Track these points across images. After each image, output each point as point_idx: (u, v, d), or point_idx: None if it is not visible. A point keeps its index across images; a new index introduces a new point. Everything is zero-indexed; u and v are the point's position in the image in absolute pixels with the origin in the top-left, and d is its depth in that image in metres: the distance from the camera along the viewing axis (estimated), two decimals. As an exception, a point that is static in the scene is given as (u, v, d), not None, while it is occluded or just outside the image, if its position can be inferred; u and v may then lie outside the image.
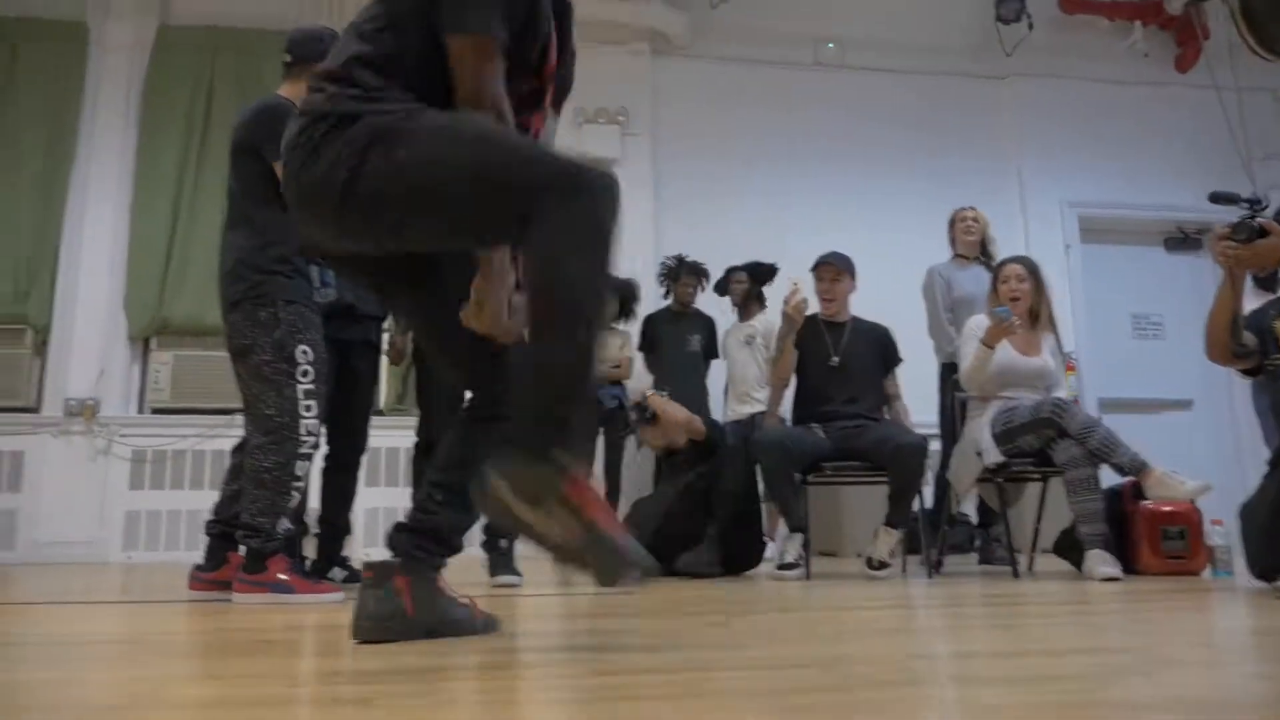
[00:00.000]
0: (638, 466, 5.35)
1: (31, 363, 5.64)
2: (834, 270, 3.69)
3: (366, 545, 4.76)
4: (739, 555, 3.53)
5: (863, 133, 6.60)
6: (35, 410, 5.59)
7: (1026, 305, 3.44)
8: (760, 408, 5.07)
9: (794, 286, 3.61)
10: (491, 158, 1.39)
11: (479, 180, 1.38)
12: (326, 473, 3.12)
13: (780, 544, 3.49)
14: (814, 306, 3.73)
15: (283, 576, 2.51)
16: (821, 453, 3.41)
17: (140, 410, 5.73)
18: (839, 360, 3.59)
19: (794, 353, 3.63)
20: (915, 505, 3.41)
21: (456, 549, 1.61)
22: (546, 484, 1.27)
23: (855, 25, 6.69)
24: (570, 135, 6.03)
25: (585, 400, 1.33)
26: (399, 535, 1.59)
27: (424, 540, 1.57)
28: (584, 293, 1.33)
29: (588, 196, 1.35)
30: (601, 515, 1.26)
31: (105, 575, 4.01)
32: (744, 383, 5.17)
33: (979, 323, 3.44)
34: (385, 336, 3.36)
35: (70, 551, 5.40)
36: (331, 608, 2.32)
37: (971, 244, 4.36)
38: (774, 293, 5.27)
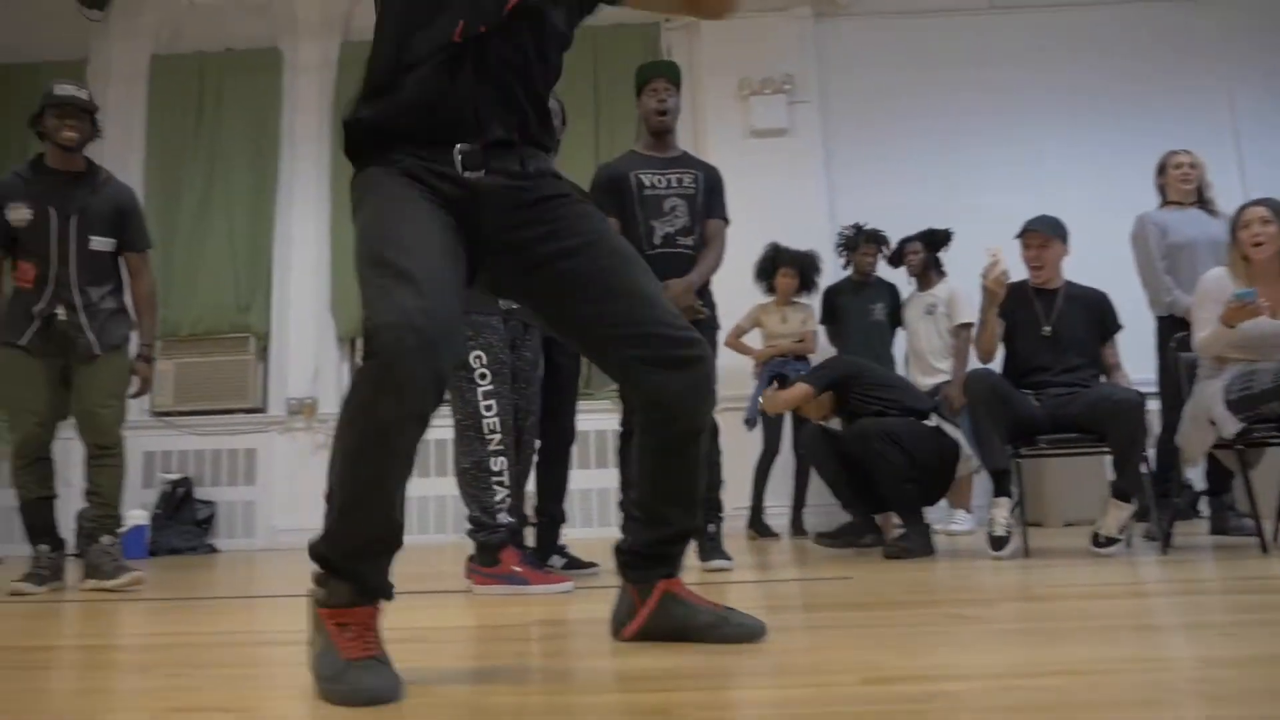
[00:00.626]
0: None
1: (256, 367, 6.17)
2: (1041, 237, 3.46)
3: (574, 524, 4.95)
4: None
5: (1047, 77, 6.17)
6: (262, 410, 6.11)
7: (1274, 250, 3.10)
8: (944, 378, 4.89)
9: (993, 258, 3.40)
10: (363, 268, 1.36)
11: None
12: (540, 465, 3.25)
13: (986, 513, 3.35)
14: (1019, 273, 3.51)
15: (516, 569, 2.65)
16: (1034, 421, 3.24)
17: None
18: (1051, 330, 3.38)
19: (1000, 325, 3.46)
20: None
21: (666, 557, 1.63)
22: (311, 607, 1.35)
23: (1031, -40, 6.26)
24: (736, 108, 5.97)
25: (345, 546, 1.31)
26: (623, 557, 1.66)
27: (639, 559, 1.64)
28: (336, 478, 1.29)
29: (367, 366, 1.25)
30: (341, 642, 1.27)
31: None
32: (926, 354, 5.01)
33: (1217, 282, 3.13)
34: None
35: (302, 538, 5.87)
36: (562, 597, 2.43)
37: (1187, 192, 3.99)
38: (958, 259, 5.05)
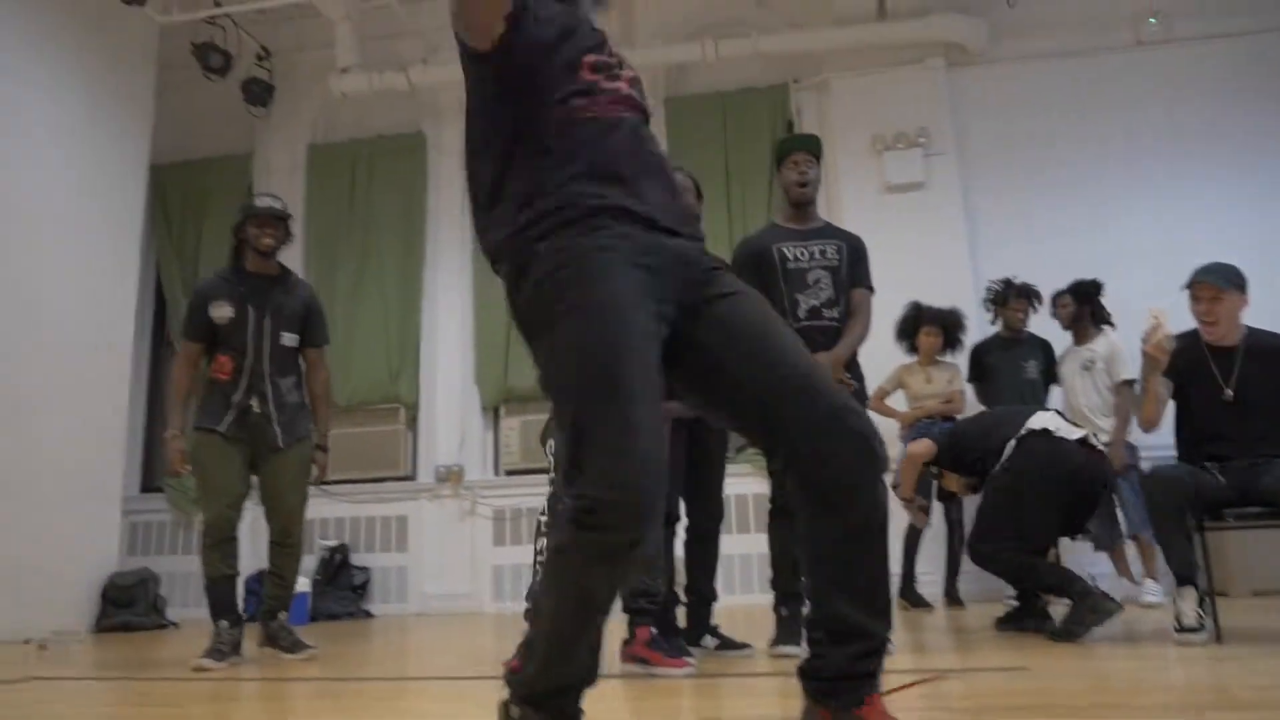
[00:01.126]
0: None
1: (405, 436, 6.41)
2: (1212, 288, 3.18)
3: (723, 592, 4.91)
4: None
5: (1201, 113, 5.83)
6: (412, 478, 6.33)
7: None
8: (1105, 438, 4.61)
9: (1153, 320, 3.14)
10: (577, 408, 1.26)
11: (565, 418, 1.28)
12: (688, 544, 3.24)
13: (1165, 597, 3.10)
14: (1185, 321, 3.27)
15: (643, 652, 2.68)
16: (1220, 497, 3.00)
17: (496, 472, 6.31)
18: (1233, 393, 3.12)
19: (1167, 387, 3.23)
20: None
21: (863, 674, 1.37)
22: None
23: (1179, -10, 5.97)
24: (869, 163, 5.89)
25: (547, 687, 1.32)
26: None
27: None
28: (539, 627, 1.31)
29: (581, 537, 1.20)
30: None
31: (503, 630, 4.42)
32: (1086, 411, 4.74)
33: None
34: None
35: (452, 604, 6.03)
36: (716, 690, 2.38)
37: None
38: (1114, 311, 4.79)
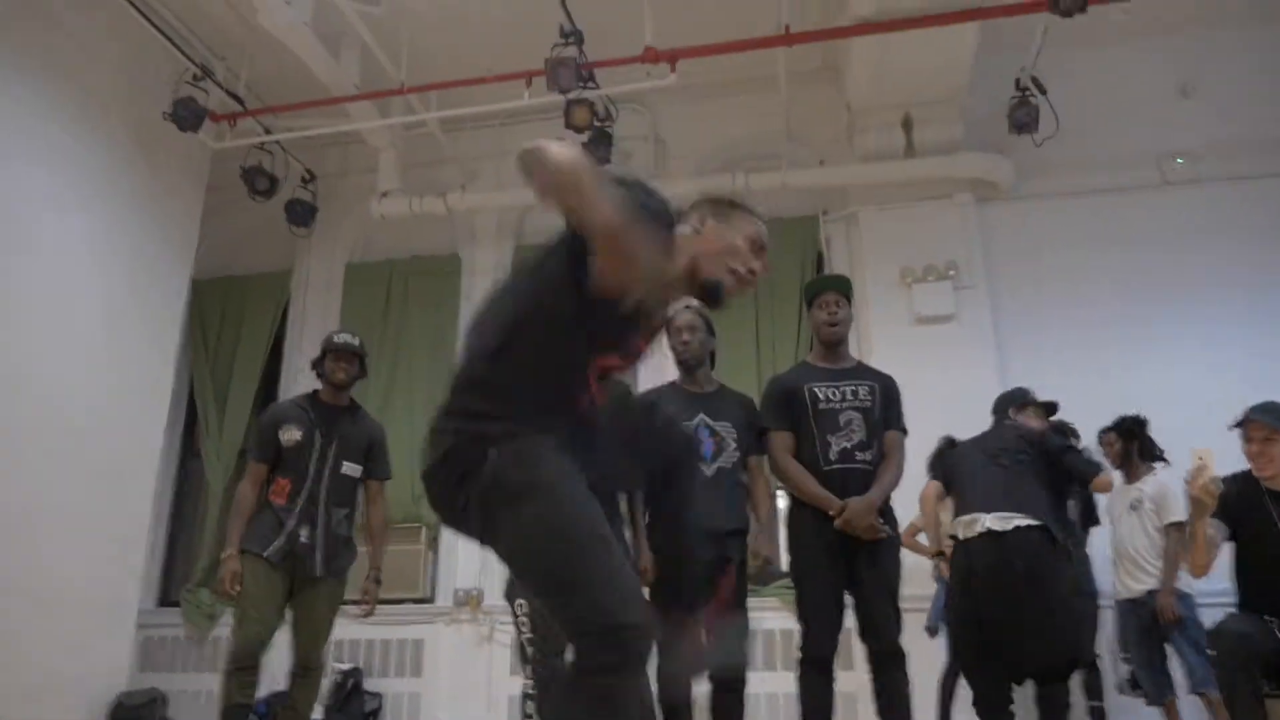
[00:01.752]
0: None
1: (425, 557, 6.29)
2: (1265, 429, 3.09)
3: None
4: None
5: (1233, 253, 5.81)
6: (430, 600, 6.19)
7: None
8: (1154, 584, 4.43)
9: (1198, 462, 3.06)
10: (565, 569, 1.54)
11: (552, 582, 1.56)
12: (714, 695, 3.12)
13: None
14: (1233, 461, 3.17)
15: None
16: (1284, 655, 2.85)
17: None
18: (1294, 538, 3.01)
19: (1219, 532, 3.11)
20: None
21: None
22: None
23: (1205, 132, 6.05)
24: (899, 296, 5.90)
25: None
26: None
27: None
28: None
29: (606, 669, 1.42)
30: None
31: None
32: (1133, 554, 4.57)
33: None
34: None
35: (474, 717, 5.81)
36: None
37: None
38: (1170, 443, 4.68)
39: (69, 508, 5.07)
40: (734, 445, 3.31)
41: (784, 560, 3.30)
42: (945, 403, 5.33)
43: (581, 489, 1.58)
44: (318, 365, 3.84)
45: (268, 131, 6.39)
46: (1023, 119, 5.72)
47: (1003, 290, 5.92)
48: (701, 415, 3.34)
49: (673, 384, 3.57)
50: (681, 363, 3.45)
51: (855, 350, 5.70)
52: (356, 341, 3.87)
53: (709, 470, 3.28)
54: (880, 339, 5.78)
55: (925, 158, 6.03)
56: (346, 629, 6.05)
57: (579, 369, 1.71)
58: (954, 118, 6.01)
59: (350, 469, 3.75)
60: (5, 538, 4.62)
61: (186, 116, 5.71)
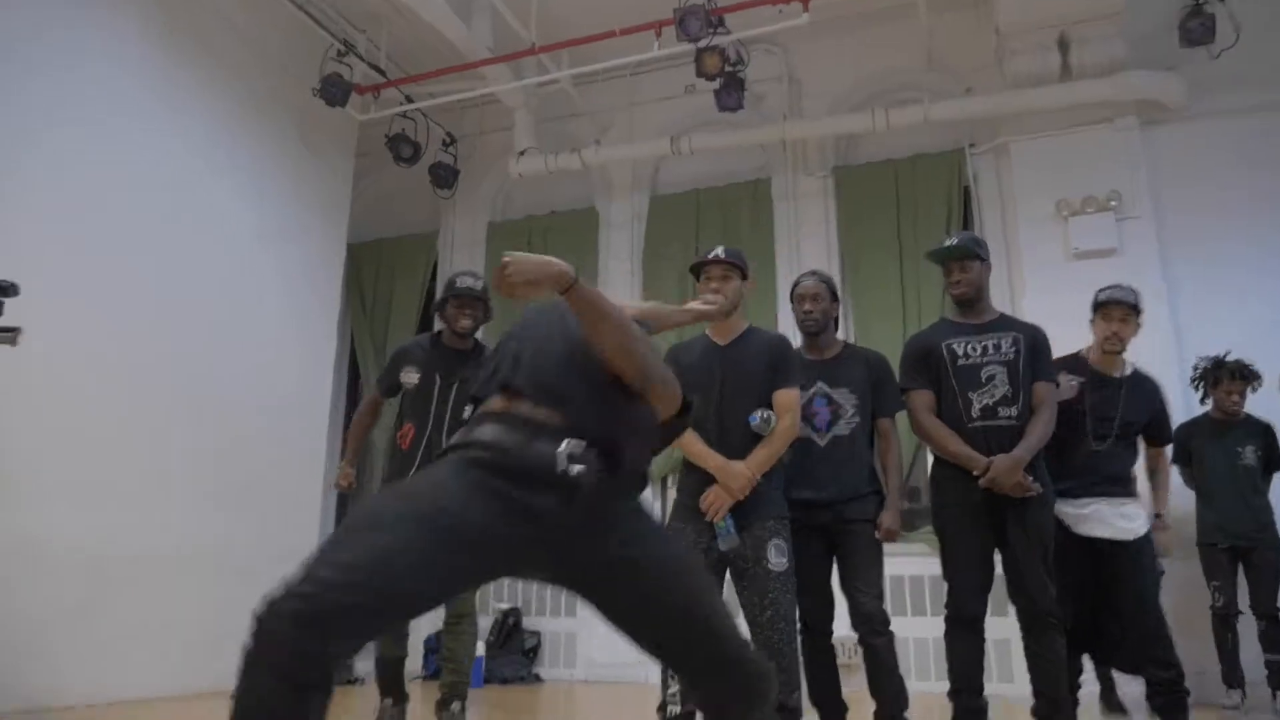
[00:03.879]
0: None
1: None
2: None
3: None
4: None
5: None
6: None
7: None
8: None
9: None
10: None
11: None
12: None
13: None
14: None
15: None
16: None
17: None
18: None
19: None
20: None
21: None
22: None
23: None
24: (1054, 230, 5.61)
25: None
26: None
27: None
28: None
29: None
30: None
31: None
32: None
33: None
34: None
35: (620, 673, 6.08)
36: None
37: None
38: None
39: (256, 464, 5.56)
40: (852, 411, 3.26)
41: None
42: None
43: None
44: (440, 308, 3.72)
45: (409, 100, 6.64)
46: (1197, 30, 5.26)
47: (1170, 221, 5.53)
48: (819, 384, 3.31)
49: (797, 352, 3.55)
50: (805, 331, 3.42)
51: (1006, 291, 5.55)
52: (480, 285, 3.72)
53: (822, 441, 3.25)
54: (1034, 278, 5.53)
55: (1083, 80, 5.64)
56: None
57: None
58: (1115, 34, 5.59)
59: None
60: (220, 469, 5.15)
61: (334, 92, 6.01)
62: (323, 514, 6.44)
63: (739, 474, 2.91)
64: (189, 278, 5.29)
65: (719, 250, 3.09)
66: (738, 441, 2.98)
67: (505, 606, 6.38)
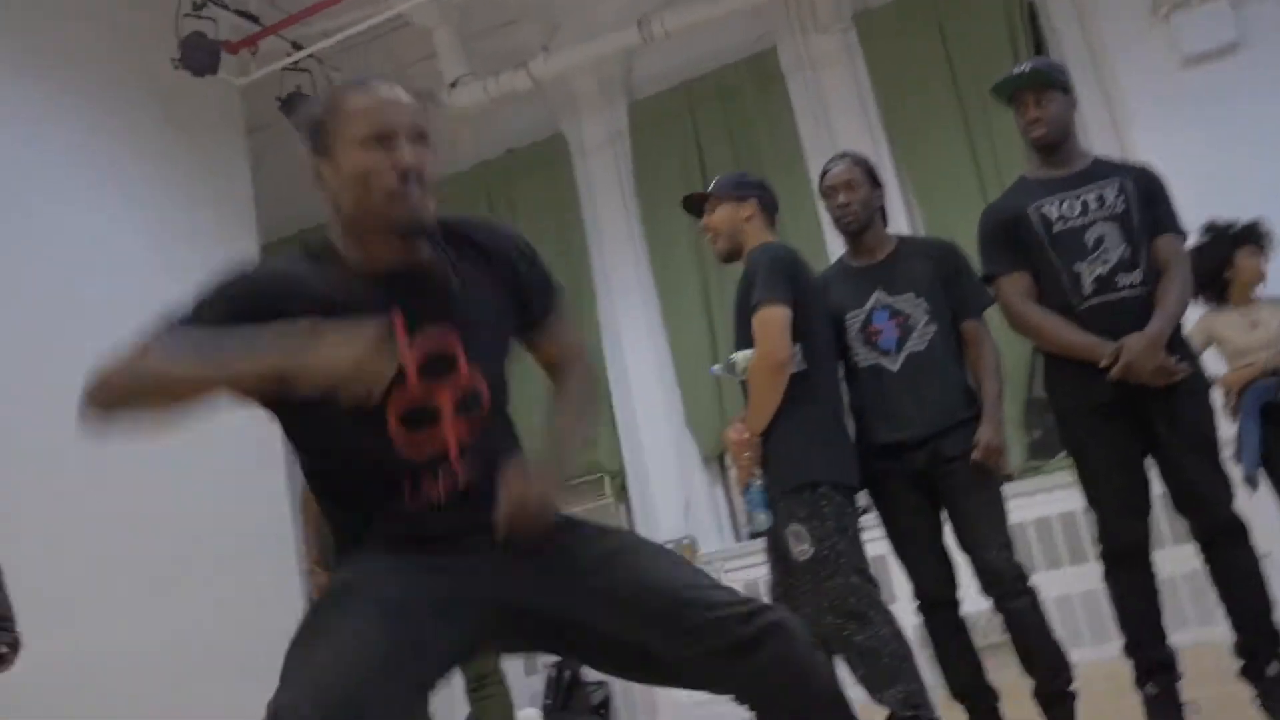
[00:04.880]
0: None
1: (618, 510, 6.64)
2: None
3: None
4: None
5: None
6: (638, 561, 6.53)
7: None
8: None
9: None
10: None
11: None
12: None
13: None
14: None
15: None
16: None
17: (737, 537, 6.40)
18: None
19: None
20: None
21: None
22: None
23: None
24: (1154, 34, 5.54)
25: None
26: None
27: None
28: None
29: None
30: None
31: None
32: None
33: None
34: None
35: (715, 711, 6.15)
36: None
37: None
38: None
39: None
40: (925, 319, 3.26)
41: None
42: (1235, 174, 5.02)
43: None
44: None
45: (297, 46, 6.63)
46: None
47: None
48: (876, 294, 3.31)
49: (840, 261, 3.58)
50: (844, 231, 3.42)
51: (1095, 127, 5.47)
52: None
53: (894, 364, 3.26)
54: (1132, 98, 5.49)
55: None
56: (547, 615, 6.52)
57: None
58: None
59: None
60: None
61: (198, 57, 5.99)
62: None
63: (728, 440, 3.21)
64: (69, 334, 5.32)
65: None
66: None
67: (555, 657, 6.47)
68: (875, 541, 3.34)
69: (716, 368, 3.12)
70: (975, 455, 3.16)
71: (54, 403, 4.62)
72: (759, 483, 3.17)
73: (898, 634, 3.04)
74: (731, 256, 3.38)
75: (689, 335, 6.50)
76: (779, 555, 3.22)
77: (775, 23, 6.48)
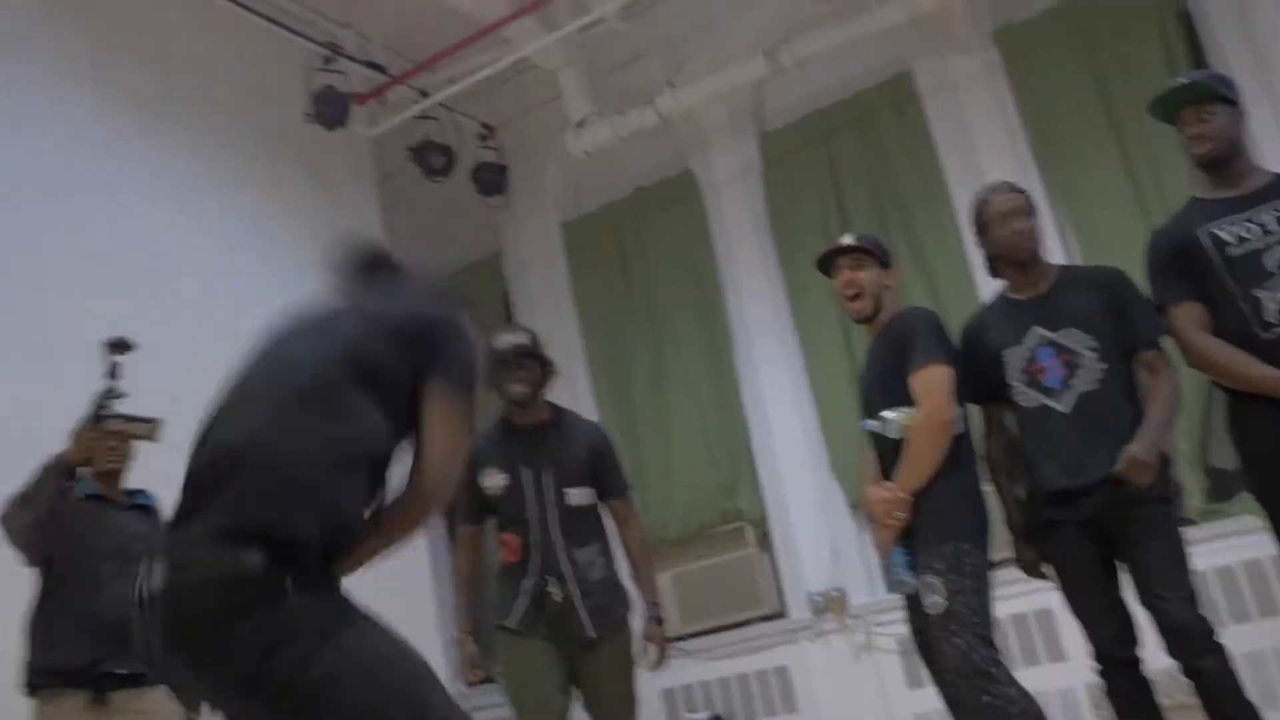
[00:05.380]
0: None
1: (760, 561, 6.51)
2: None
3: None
4: None
5: None
6: (782, 615, 6.40)
7: None
8: None
9: None
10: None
11: None
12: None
13: None
14: None
15: None
16: None
17: (889, 588, 6.21)
18: None
19: None
20: None
21: None
22: None
23: None
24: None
25: None
26: None
27: None
28: None
29: None
30: None
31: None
32: None
33: None
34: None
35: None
36: None
37: None
38: None
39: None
40: (1093, 354, 3.13)
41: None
42: None
43: None
44: (492, 383, 3.84)
45: (424, 95, 6.79)
46: None
47: None
48: (1038, 329, 3.21)
49: (1001, 296, 3.47)
50: (1017, 261, 3.34)
51: (1269, 143, 5.17)
52: (524, 339, 3.88)
53: (1063, 405, 3.16)
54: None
55: None
56: (692, 669, 6.44)
57: None
58: None
59: (577, 496, 3.83)
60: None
61: (329, 110, 6.20)
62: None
63: (877, 500, 3.22)
64: (204, 383, 5.50)
65: (846, 238, 3.42)
66: (891, 456, 3.23)
67: (702, 717, 6.37)
68: (1040, 594, 3.25)
69: (870, 423, 3.15)
70: (1117, 467, 3.04)
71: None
72: (903, 545, 3.20)
73: (1025, 693, 3.00)
74: (868, 319, 3.43)
75: (831, 376, 6.36)
76: (915, 608, 3.23)
77: (910, 45, 6.36)
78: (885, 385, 3.26)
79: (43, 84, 5.24)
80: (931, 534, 3.08)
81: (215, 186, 5.95)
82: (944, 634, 3.00)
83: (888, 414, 3.19)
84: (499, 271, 7.65)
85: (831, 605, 6.18)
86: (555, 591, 3.72)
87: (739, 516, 6.57)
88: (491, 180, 7.17)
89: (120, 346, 3.56)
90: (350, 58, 6.57)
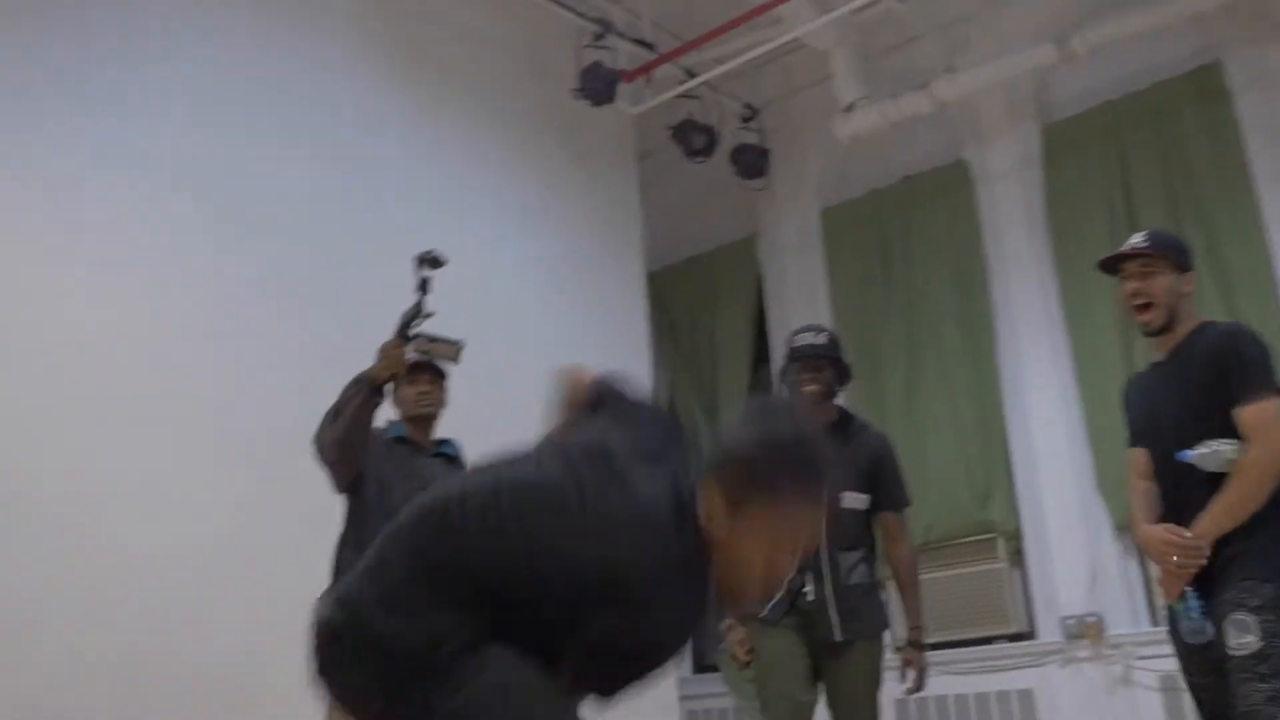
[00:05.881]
0: None
1: (1010, 577, 6.30)
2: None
3: None
4: None
5: None
6: (1030, 635, 6.19)
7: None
8: None
9: None
10: None
11: None
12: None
13: None
14: None
15: None
16: None
17: (1153, 621, 5.90)
18: None
19: None
20: None
21: None
22: None
23: None
24: None
25: None
26: None
27: None
28: None
29: None
30: None
31: None
32: None
33: None
34: None
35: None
36: None
37: None
38: None
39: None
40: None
41: None
42: None
43: None
44: (786, 376, 4.00)
45: (690, 74, 6.84)
46: None
47: None
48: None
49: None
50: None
51: None
52: (823, 340, 3.97)
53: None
54: None
55: None
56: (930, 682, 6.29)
57: None
58: None
59: (853, 500, 3.88)
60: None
61: (597, 86, 6.32)
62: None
63: (1164, 543, 3.01)
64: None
65: (1136, 239, 3.17)
66: (1194, 488, 3.00)
67: None
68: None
69: (1190, 453, 2.96)
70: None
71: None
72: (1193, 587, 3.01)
73: None
74: (1162, 330, 3.19)
75: (1105, 387, 6.01)
76: (1194, 647, 3.02)
77: (1221, 34, 5.96)
78: (1195, 413, 3.04)
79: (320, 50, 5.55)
80: (1247, 571, 2.90)
81: (479, 156, 6.18)
82: (1249, 675, 2.80)
83: (1220, 446, 2.97)
84: (753, 255, 7.66)
85: (1087, 631, 5.92)
86: (810, 590, 3.76)
87: (991, 528, 6.36)
88: (752, 162, 7.17)
89: (432, 261, 3.57)
90: (619, 34, 6.68)
